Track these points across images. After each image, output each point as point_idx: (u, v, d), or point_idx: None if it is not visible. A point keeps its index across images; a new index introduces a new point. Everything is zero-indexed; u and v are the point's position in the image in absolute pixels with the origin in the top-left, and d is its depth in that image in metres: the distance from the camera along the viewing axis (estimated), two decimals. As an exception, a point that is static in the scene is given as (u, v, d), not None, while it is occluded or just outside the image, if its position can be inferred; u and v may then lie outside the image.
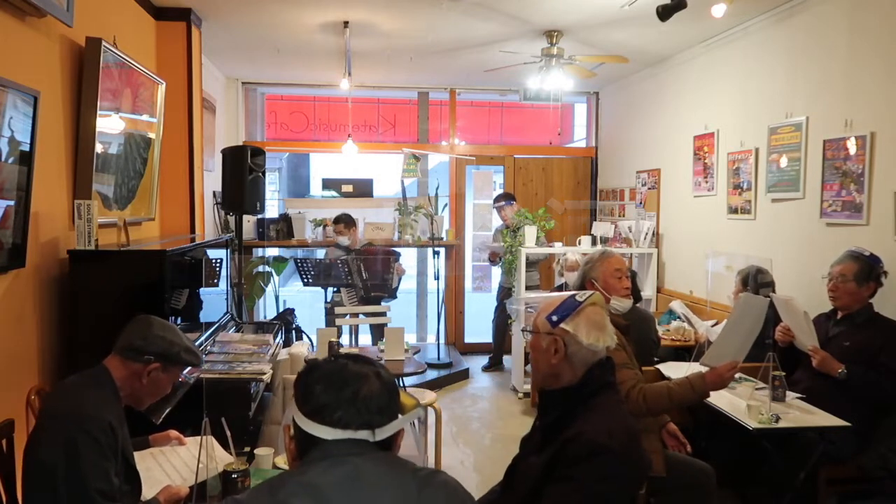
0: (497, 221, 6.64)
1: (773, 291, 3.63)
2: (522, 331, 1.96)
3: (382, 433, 1.22)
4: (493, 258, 6.35)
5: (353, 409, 1.20)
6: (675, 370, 3.31)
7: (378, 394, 1.23)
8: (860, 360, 3.03)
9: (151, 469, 2.16)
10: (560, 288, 5.19)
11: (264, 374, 2.95)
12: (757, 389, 3.09)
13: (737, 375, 3.28)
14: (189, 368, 2.12)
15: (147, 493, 2.00)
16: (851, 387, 3.00)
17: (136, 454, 2.18)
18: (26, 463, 1.79)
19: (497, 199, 6.33)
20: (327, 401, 1.21)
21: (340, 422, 1.19)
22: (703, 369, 2.64)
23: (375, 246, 6.14)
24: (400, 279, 6.10)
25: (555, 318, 1.82)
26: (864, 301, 3.18)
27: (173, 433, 2.34)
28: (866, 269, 3.15)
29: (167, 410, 2.17)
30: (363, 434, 1.20)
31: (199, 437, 2.37)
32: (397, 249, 6.35)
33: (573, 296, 1.88)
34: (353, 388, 1.22)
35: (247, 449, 2.41)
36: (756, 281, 3.66)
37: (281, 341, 4.06)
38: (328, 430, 1.19)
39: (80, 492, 1.72)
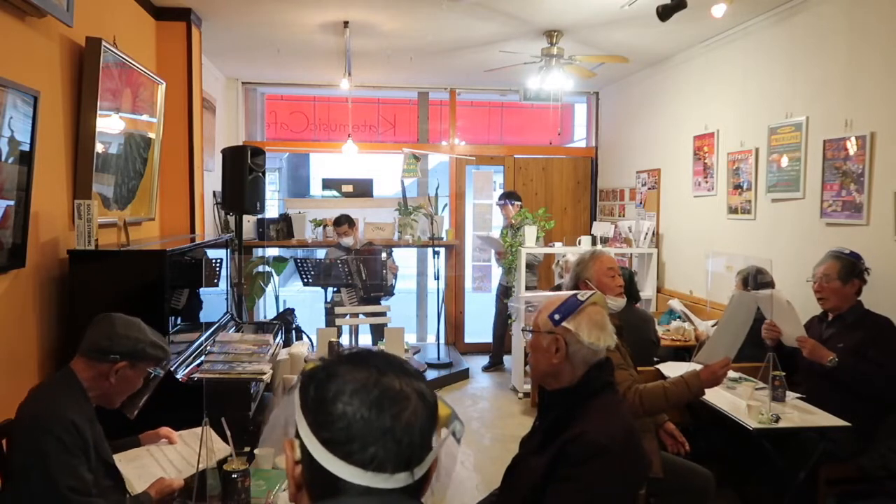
0: (498, 221, 6.64)
1: (773, 291, 3.64)
2: (522, 330, 1.96)
3: (421, 470, 0.91)
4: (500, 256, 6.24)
5: (390, 443, 0.88)
6: (675, 370, 3.31)
7: (421, 421, 0.92)
8: (855, 360, 3.04)
9: (147, 465, 2.16)
10: (559, 288, 5.19)
11: (264, 374, 2.94)
12: (757, 389, 3.09)
13: (736, 375, 3.29)
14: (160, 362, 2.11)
15: (142, 487, 2.01)
16: (842, 378, 3.00)
17: (131, 452, 2.19)
18: (2, 468, 1.81)
19: (501, 198, 6.35)
20: (357, 430, 0.88)
21: (373, 462, 0.87)
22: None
23: (375, 246, 6.15)
24: (396, 276, 6.10)
25: (557, 316, 1.82)
26: (852, 299, 3.19)
27: (164, 430, 2.33)
28: (849, 267, 3.17)
29: (140, 405, 2.16)
30: (400, 478, 0.89)
31: (191, 430, 2.38)
32: (392, 248, 6.36)
33: (575, 295, 1.88)
34: (391, 413, 0.90)
35: (247, 449, 2.41)
36: (756, 281, 3.66)
37: (281, 341, 4.06)
38: (356, 473, 0.87)
39: (51, 491, 1.74)
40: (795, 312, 3.21)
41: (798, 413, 2.89)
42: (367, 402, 0.90)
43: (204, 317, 3.70)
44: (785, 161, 4.10)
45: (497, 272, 6.62)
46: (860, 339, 3.07)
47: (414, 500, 0.93)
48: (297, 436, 0.93)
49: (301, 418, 0.93)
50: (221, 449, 2.15)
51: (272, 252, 6.68)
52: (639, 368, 2.92)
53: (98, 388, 1.98)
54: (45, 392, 1.93)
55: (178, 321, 3.20)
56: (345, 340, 4.38)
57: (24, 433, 1.80)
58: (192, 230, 4.41)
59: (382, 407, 0.90)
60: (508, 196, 6.26)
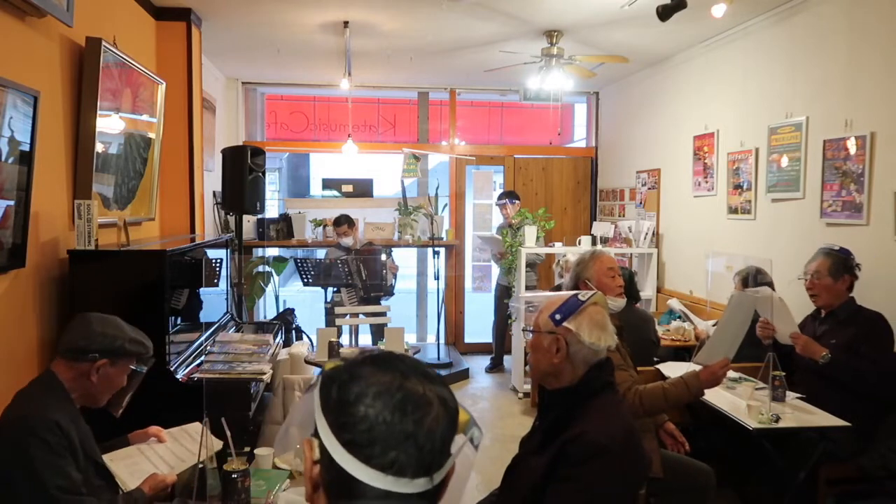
0: (497, 220, 6.64)
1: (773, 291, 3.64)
2: (523, 330, 1.95)
3: (440, 476, 0.92)
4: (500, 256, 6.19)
5: (412, 449, 0.88)
6: (675, 370, 3.31)
7: (443, 427, 0.91)
8: (848, 355, 3.04)
9: (139, 463, 2.16)
10: (559, 287, 5.19)
11: (264, 374, 2.95)
12: (757, 389, 3.09)
13: (736, 375, 3.29)
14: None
15: (135, 485, 2.01)
16: (835, 375, 3.01)
17: (121, 451, 2.19)
18: None
19: (500, 197, 6.34)
20: (379, 434, 0.88)
21: (393, 466, 0.88)
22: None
23: (375, 246, 6.15)
24: (395, 276, 6.10)
25: (558, 316, 1.82)
26: (844, 295, 3.20)
27: (153, 429, 2.32)
28: (839, 263, 3.19)
29: (125, 403, 2.16)
30: (420, 483, 0.89)
31: (180, 428, 2.37)
32: (392, 248, 6.36)
33: (576, 295, 1.88)
34: (413, 418, 0.89)
35: (247, 449, 2.41)
36: (756, 281, 3.66)
37: (281, 341, 4.06)
38: (377, 476, 0.88)
39: (40, 493, 1.74)
40: (788, 309, 3.22)
41: (798, 413, 2.89)
42: (391, 406, 0.89)
43: (204, 317, 3.71)
44: (785, 161, 4.10)
45: (496, 272, 6.62)
46: (853, 335, 3.09)
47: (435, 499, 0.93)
48: (316, 435, 0.93)
49: (321, 418, 0.92)
50: (215, 443, 2.14)
51: (272, 252, 6.68)
52: (639, 368, 2.92)
53: (80, 388, 1.97)
54: (27, 396, 1.93)
55: (178, 321, 3.20)
56: (345, 340, 4.38)
57: (7, 438, 1.79)
58: (192, 230, 4.41)
59: (405, 411, 0.90)
60: (508, 195, 6.26)
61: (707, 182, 5.04)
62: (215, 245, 4.01)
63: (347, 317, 4.92)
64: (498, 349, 6.42)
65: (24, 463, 1.75)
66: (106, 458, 2.07)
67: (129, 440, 2.29)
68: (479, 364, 6.54)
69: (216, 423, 2.01)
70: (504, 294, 6.08)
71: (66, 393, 1.94)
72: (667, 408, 2.68)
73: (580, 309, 1.83)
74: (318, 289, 5.96)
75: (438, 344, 6.36)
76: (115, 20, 3.51)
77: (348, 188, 7.12)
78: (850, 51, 3.62)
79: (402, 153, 6.58)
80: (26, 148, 2.48)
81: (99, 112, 3.06)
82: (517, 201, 6.20)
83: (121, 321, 2.09)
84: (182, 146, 4.32)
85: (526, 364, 5.32)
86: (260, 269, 6.30)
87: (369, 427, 0.88)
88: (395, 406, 0.90)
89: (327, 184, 7.45)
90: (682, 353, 4.26)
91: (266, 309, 6.83)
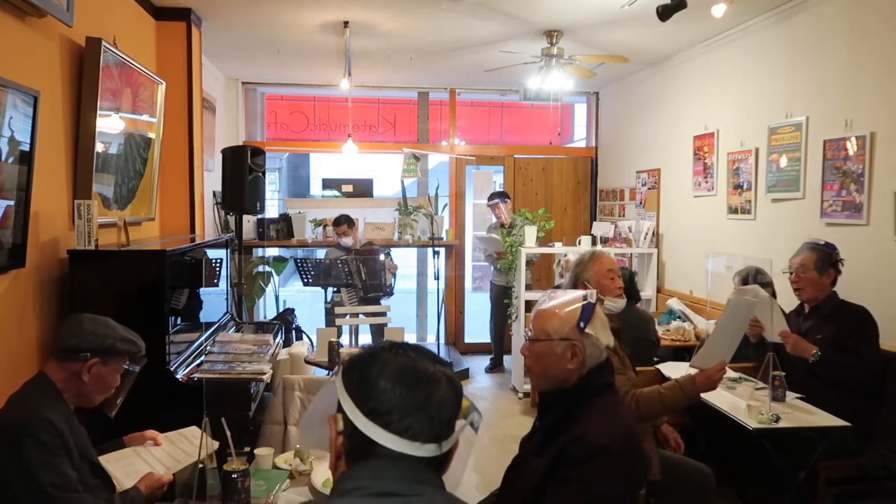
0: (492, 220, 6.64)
1: (773, 292, 3.63)
2: (529, 340, 1.92)
3: (447, 445, 1.08)
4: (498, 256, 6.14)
5: (423, 418, 1.05)
6: (675, 370, 3.31)
7: (450, 401, 1.09)
8: (834, 350, 3.05)
9: (135, 464, 2.16)
10: (558, 288, 5.19)
11: (264, 374, 2.94)
12: (757, 389, 3.09)
13: (736, 375, 3.29)
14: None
15: (131, 485, 2.01)
16: (823, 371, 3.02)
17: (118, 452, 2.19)
18: None
19: (491, 198, 6.31)
20: (396, 403, 1.04)
21: (408, 431, 1.04)
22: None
23: (375, 246, 6.15)
24: (395, 276, 6.10)
25: (582, 324, 1.82)
26: (827, 290, 3.23)
27: (149, 433, 2.32)
28: (824, 258, 3.22)
29: (119, 403, 2.16)
30: (430, 448, 1.05)
31: (177, 432, 2.38)
32: (391, 248, 6.36)
33: (585, 297, 1.87)
34: (425, 392, 1.06)
35: (247, 449, 2.41)
36: (756, 281, 3.66)
37: (281, 341, 4.06)
38: (394, 439, 1.04)
39: (35, 492, 1.74)
40: (778, 307, 3.23)
41: (798, 413, 2.89)
42: (406, 382, 1.06)
43: (204, 317, 3.71)
44: (785, 161, 4.10)
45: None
46: (837, 330, 3.10)
47: (437, 473, 1.08)
48: (340, 411, 1.08)
49: (345, 396, 1.08)
50: (210, 444, 2.14)
51: (272, 252, 6.68)
52: (639, 369, 2.92)
53: (73, 388, 1.97)
54: (20, 397, 1.93)
55: (178, 321, 3.20)
56: (345, 340, 4.38)
57: (1, 439, 1.79)
58: (192, 230, 4.41)
59: (418, 386, 1.06)
60: (500, 195, 6.24)
61: (707, 182, 5.04)
62: (215, 245, 4.01)
63: (347, 317, 4.93)
64: (497, 349, 6.42)
65: (18, 462, 1.75)
66: (101, 458, 2.07)
67: (124, 443, 2.29)
68: (478, 364, 6.54)
69: (216, 423, 2.01)
70: (502, 294, 6.06)
71: (59, 393, 1.94)
72: (663, 412, 2.68)
73: (595, 311, 1.84)
74: (318, 289, 5.96)
75: (438, 344, 6.35)
76: (115, 20, 3.51)
77: (348, 188, 7.13)
78: (850, 51, 3.62)
79: (402, 153, 6.58)
80: (26, 148, 2.48)
81: (99, 112, 3.06)
82: (508, 200, 6.20)
83: (112, 321, 2.09)
84: (182, 146, 4.32)
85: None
86: (260, 269, 6.30)
87: (388, 398, 1.04)
88: (410, 382, 1.06)
89: (327, 184, 7.45)
90: (682, 352, 4.26)
91: (266, 309, 6.83)
